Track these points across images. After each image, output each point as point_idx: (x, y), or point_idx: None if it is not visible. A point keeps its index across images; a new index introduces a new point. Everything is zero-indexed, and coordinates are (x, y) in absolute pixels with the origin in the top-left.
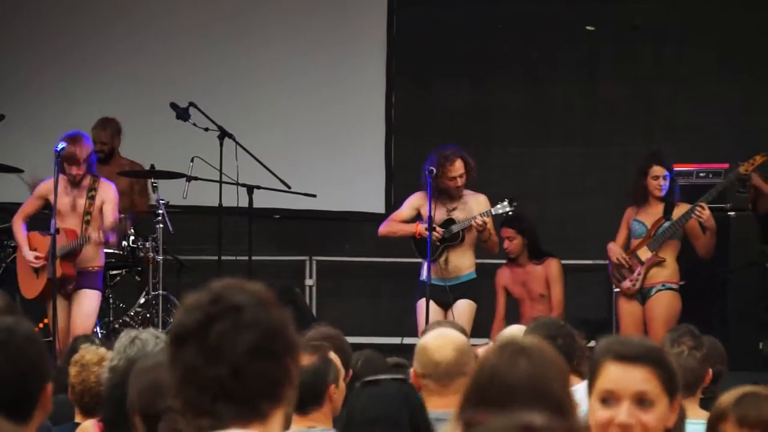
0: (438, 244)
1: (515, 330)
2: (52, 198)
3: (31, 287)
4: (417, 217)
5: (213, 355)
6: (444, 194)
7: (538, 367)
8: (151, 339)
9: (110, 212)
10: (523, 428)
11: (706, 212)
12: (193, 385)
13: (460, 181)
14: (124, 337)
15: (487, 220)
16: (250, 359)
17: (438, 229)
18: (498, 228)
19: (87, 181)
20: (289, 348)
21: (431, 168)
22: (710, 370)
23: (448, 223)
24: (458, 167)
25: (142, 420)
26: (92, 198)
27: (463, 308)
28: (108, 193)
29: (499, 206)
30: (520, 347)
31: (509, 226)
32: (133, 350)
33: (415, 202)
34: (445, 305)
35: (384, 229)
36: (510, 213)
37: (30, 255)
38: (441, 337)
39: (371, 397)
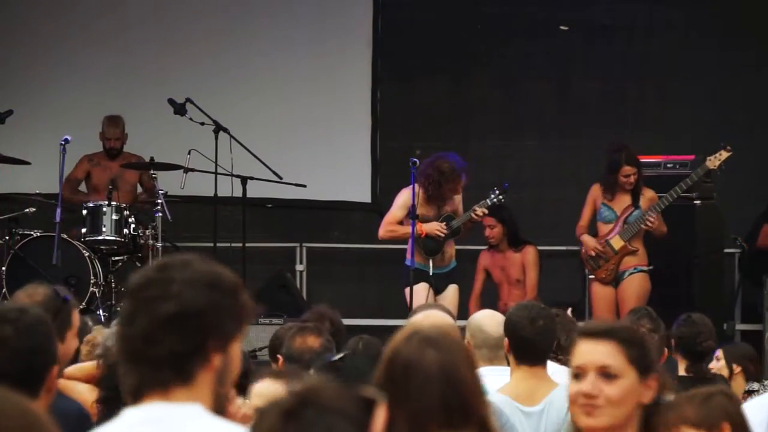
0: (441, 239)
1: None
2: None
3: None
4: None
5: (135, 316)
6: (440, 197)
7: (446, 355)
8: None
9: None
10: None
11: (656, 223)
12: (122, 341)
13: (460, 190)
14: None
15: (486, 210)
16: (160, 328)
17: (442, 226)
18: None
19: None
20: (210, 331)
21: (415, 159)
22: (666, 351)
23: (449, 219)
24: (464, 182)
25: None
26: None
27: (453, 293)
28: None
29: (492, 196)
30: (426, 337)
31: (491, 215)
32: None
33: (403, 201)
34: (437, 290)
35: (383, 232)
36: (503, 199)
37: None
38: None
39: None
